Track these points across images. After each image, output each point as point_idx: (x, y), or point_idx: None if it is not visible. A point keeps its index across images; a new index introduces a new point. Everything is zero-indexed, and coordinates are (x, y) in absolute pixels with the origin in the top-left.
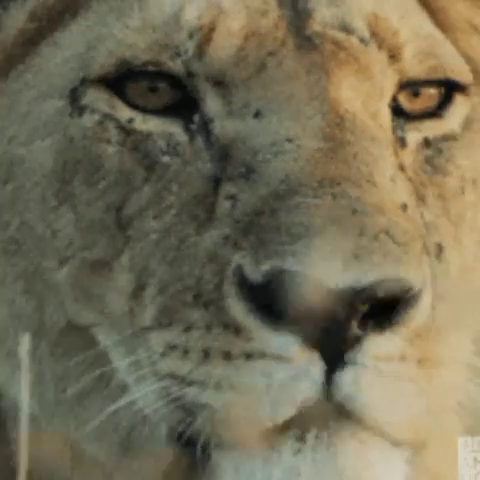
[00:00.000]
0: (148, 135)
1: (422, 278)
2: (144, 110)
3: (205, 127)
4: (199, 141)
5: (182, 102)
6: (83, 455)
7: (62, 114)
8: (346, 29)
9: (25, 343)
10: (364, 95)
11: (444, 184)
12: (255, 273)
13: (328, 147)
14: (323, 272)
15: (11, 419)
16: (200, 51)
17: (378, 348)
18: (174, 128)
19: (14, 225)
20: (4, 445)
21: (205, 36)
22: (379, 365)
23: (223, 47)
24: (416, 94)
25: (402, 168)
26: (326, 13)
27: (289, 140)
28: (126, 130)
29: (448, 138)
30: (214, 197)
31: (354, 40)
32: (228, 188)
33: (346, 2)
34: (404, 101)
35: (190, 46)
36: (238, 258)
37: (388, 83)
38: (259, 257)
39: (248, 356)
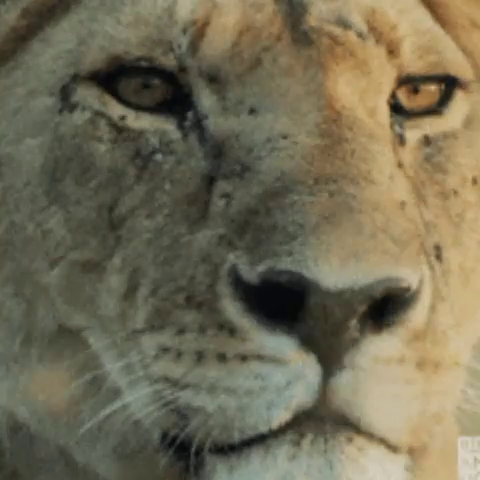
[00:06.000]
0: (140, 133)
1: (421, 277)
2: (136, 107)
3: (199, 124)
4: (193, 138)
5: (175, 99)
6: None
7: (52, 111)
8: (343, 24)
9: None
10: (361, 91)
11: (444, 183)
12: (250, 274)
13: (324, 144)
14: (320, 272)
15: (3, 427)
16: (194, 46)
17: (376, 350)
18: (167, 125)
19: (3, 226)
20: None
21: (199, 31)
22: (377, 368)
23: (217, 42)
24: (416, 91)
25: (401, 166)
26: (323, 7)
27: (284, 137)
28: (118, 127)
29: (448, 136)
30: (208, 196)
31: (351, 35)
32: (222, 186)
33: None
34: (403, 98)
35: (183, 41)
36: (233, 258)
37: (386, 79)
38: (254, 257)
39: (243, 358)
